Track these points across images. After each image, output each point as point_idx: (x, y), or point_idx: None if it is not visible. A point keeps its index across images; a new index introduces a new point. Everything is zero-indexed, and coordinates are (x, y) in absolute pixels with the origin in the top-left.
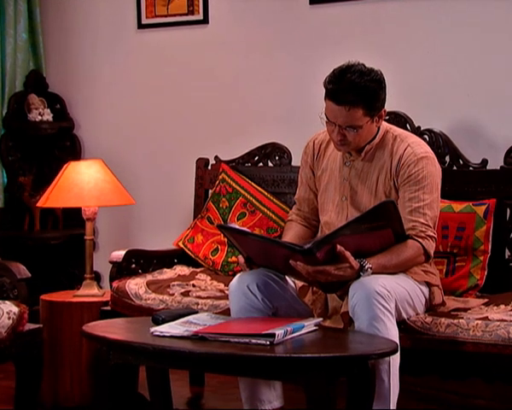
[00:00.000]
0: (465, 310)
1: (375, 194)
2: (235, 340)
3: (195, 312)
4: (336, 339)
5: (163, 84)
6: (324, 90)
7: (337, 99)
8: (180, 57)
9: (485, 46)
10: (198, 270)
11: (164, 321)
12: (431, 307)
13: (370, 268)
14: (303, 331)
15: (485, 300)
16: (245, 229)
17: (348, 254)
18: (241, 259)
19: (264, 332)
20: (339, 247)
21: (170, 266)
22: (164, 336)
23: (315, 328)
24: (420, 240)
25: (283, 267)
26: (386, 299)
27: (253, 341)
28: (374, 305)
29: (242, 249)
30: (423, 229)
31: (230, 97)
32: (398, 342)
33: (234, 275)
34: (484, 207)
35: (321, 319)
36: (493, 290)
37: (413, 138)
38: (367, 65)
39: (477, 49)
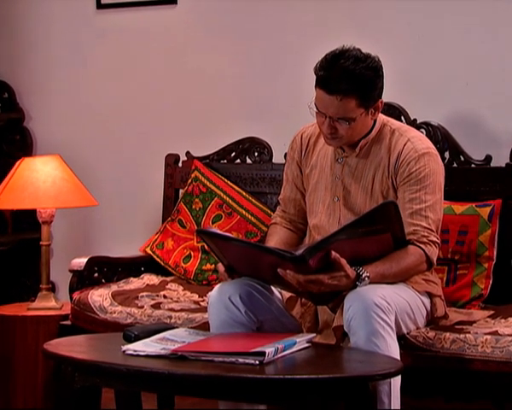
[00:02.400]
0: (470, 323)
1: (370, 194)
2: (220, 359)
3: (171, 327)
4: (332, 357)
5: (126, 71)
6: (314, 78)
7: (328, 87)
8: (145, 41)
9: (484, 31)
10: (168, 279)
11: (137, 338)
12: (432, 320)
13: (368, 277)
14: (295, 349)
15: (491, 312)
16: (228, 234)
17: (344, 261)
18: (220, 267)
19: (252, 350)
20: (333, 253)
21: (137, 274)
22: (138, 356)
23: (307, 345)
24: (422, 246)
25: (270, 276)
26: (385, 312)
27: (240, 360)
28: (372, 318)
29: (223, 257)
30: (425, 234)
31: (203, 86)
32: (400, 360)
33: (208, 284)
34: (488, 209)
35: (314, 334)
36: (499, 301)
37: (413, 132)
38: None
39: (476, 34)
